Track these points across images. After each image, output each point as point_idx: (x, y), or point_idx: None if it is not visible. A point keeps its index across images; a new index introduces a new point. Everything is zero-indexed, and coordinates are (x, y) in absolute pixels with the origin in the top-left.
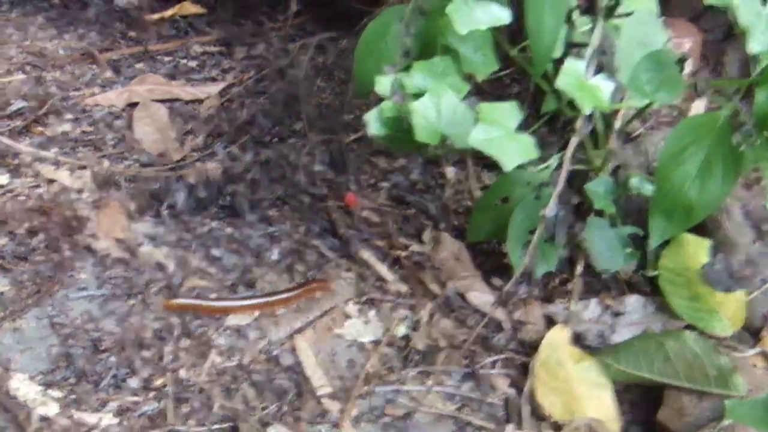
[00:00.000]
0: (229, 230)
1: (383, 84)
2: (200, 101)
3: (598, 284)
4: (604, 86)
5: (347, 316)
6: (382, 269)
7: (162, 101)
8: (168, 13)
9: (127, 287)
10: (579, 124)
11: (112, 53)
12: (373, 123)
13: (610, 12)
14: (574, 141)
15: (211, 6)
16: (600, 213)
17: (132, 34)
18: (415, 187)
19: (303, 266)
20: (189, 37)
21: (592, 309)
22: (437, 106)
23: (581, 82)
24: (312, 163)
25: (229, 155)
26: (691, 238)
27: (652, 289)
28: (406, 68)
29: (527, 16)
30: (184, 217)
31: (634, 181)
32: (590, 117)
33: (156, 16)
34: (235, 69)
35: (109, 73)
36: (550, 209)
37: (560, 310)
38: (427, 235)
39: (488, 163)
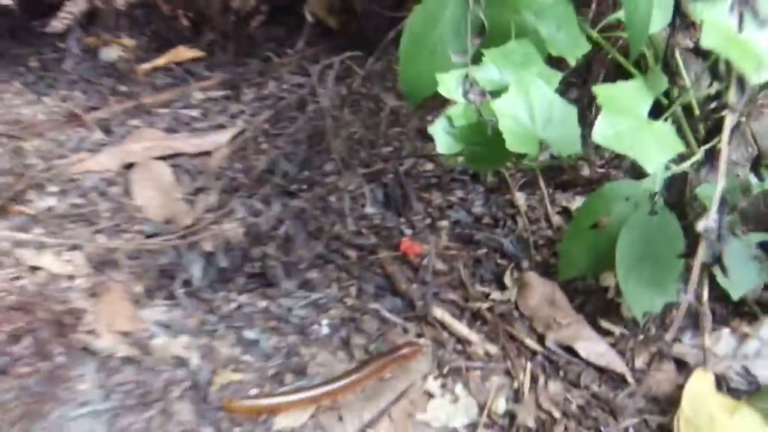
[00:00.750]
0: (262, 304)
1: (448, 83)
2: (208, 153)
3: (723, 309)
4: (761, 41)
5: (429, 396)
6: (462, 329)
7: (163, 158)
8: (161, 61)
9: (141, 394)
10: (731, 97)
11: (101, 112)
12: (442, 137)
13: None
14: (730, 121)
15: (209, 49)
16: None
17: (122, 88)
18: (480, 221)
19: (362, 338)
20: (188, 84)
21: (726, 342)
22: (528, 102)
23: (732, 38)
24: (355, 209)
25: (251, 211)
26: None
27: None
28: (478, 57)
29: None
30: (205, 294)
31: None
32: (743, 87)
33: (147, 66)
34: (244, 113)
35: (98, 135)
36: (712, 220)
37: (690, 349)
38: (508, 279)
39: (561, 183)
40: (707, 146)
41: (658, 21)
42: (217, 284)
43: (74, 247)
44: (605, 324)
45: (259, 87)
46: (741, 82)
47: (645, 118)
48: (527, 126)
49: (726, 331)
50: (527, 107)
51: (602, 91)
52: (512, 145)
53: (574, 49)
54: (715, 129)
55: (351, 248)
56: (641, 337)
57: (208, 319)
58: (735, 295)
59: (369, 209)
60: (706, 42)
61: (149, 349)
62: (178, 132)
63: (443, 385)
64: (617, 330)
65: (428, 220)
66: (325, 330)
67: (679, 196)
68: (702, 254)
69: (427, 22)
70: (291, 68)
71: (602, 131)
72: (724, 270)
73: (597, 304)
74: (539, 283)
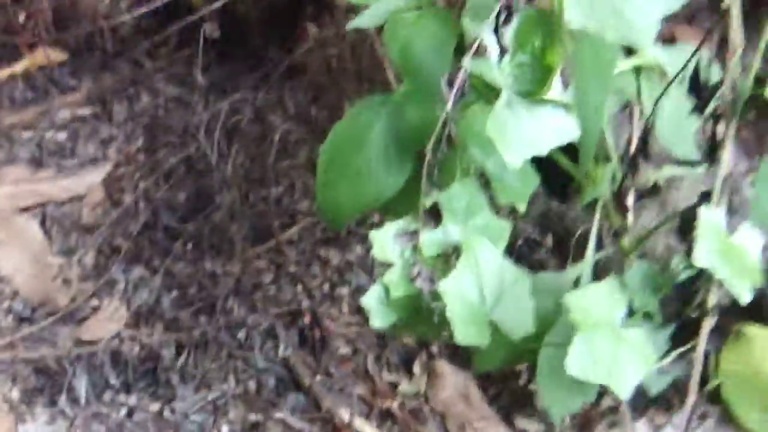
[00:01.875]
0: (154, 407)
1: (383, 243)
2: (80, 198)
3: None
4: (751, 244)
5: None
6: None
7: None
8: (19, 67)
9: None
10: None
11: None
12: (377, 311)
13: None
14: (708, 327)
15: (75, 48)
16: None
17: None
18: None
19: None
20: (51, 97)
21: None
22: (477, 275)
23: (727, 246)
24: (247, 280)
25: (133, 284)
26: (760, 333)
27: (709, 395)
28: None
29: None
30: (90, 398)
31: (678, 264)
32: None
33: (4, 72)
34: (117, 138)
35: None
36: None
37: None
38: (417, 366)
39: None
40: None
41: None
42: (103, 386)
43: None
44: (520, 422)
45: (130, 101)
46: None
47: (619, 328)
48: (476, 307)
49: (641, 423)
50: (477, 282)
51: (577, 304)
52: (463, 338)
53: (523, 190)
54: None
55: (246, 328)
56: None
57: (96, 430)
58: (647, 389)
59: (264, 282)
60: (700, 260)
61: None
62: (44, 166)
63: None
64: (533, 428)
65: (326, 286)
66: None
67: None
68: None
69: (352, 142)
70: (165, 74)
71: (580, 362)
72: None
73: (512, 395)
74: (451, 373)
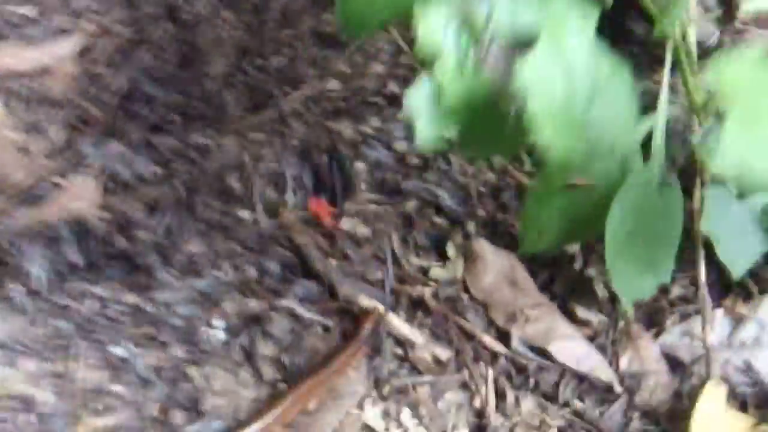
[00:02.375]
0: (131, 298)
1: (431, 23)
2: (49, 71)
3: (714, 280)
4: None
5: (370, 430)
6: (401, 325)
7: None
8: None
9: None
10: None
11: None
12: (424, 118)
13: None
14: None
15: None
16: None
17: None
18: (405, 162)
19: (271, 346)
20: None
21: (720, 327)
22: (565, 65)
23: None
24: (244, 154)
25: (108, 159)
26: None
27: None
28: None
29: None
30: (52, 288)
31: None
32: None
33: None
34: (93, 10)
35: None
36: None
37: (680, 339)
38: (451, 247)
39: None
40: None
41: None
42: (69, 274)
43: None
44: (581, 311)
45: None
46: None
47: None
48: (565, 106)
49: (719, 312)
50: (565, 74)
51: (733, 73)
52: (551, 141)
53: None
54: None
55: (244, 207)
56: (622, 324)
57: (60, 328)
58: (736, 274)
59: (264, 156)
60: None
61: None
62: (7, 39)
63: (385, 413)
64: (595, 318)
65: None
66: (220, 335)
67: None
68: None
69: None
70: None
71: (736, 149)
72: None
73: (566, 283)
74: (493, 254)
